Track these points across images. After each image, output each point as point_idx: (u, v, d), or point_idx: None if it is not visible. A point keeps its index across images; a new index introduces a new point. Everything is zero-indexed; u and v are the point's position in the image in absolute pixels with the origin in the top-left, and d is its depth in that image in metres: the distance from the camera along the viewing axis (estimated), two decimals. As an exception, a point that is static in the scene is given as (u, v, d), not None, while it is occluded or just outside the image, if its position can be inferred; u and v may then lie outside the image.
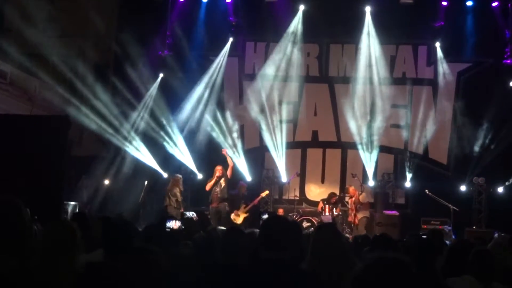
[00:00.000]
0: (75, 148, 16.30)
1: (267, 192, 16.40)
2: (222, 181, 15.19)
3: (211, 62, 18.24)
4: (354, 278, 2.06)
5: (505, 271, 5.46)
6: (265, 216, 11.86)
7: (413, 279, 2.04)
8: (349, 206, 15.84)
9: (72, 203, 13.53)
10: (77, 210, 13.28)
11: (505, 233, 12.00)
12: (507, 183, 16.10)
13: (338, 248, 4.22)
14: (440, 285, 4.65)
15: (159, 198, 15.63)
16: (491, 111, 16.10)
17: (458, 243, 5.84)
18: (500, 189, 16.13)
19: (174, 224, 6.20)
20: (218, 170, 15.25)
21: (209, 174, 15.96)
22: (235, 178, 16.16)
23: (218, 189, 15.15)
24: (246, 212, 15.49)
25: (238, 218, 15.32)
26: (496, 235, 12.57)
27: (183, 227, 8.03)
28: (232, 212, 15.34)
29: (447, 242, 8.38)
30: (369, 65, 17.64)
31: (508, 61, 16.78)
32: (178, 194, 15.05)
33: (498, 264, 5.37)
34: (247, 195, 16.08)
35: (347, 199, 16.09)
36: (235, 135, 17.75)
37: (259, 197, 16.00)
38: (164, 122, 17.28)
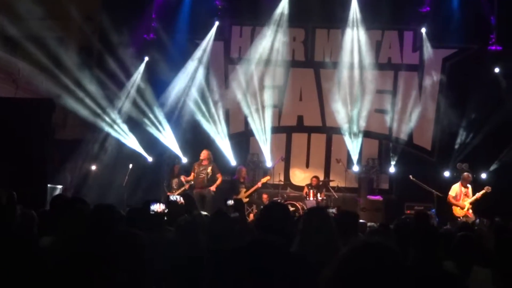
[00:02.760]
0: (59, 132, 16.17)
1: (268, 177, 16.10)
2: (209, 170, 15.02)
3: (196, 46, 18.14)
4: (338, 263, 2.02)
5: (484, 254, 5.52)
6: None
7: (399, 267, 1.98)
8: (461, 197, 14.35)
9: (59, 186, 13.42)
10: (58, 193, 13.15)
11: (487, 218, 12.13)
12: (491, 169, 16.20)
13: (327, 232, 4.23)
14: (444, 274, 4.59)
15: (143, 182, 15.62)
16: (476, 97, 16.15)
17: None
18: (484, 175, 16.22)
19: (158, 207, 6.17)
20: (204, 154, 15.10)
21: (193, 159, 15.91)
22: (220, 164, 16.06)
23: (204, 175, 14.99)
24: (246, 197, 14.98)
25: None
26: (478, 220, 12.70)
27: (167, 210, 8.00)
28: (229, 199, 15.04)
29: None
30: (355, 50, 17.64)
31: (493, 47, 16.84)
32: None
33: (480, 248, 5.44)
34: (248, 179, 15.98)
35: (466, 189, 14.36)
36: (220, 119, 17.69)
37: (260, 183, 15.72)
38: (149, 105, 17.19)
